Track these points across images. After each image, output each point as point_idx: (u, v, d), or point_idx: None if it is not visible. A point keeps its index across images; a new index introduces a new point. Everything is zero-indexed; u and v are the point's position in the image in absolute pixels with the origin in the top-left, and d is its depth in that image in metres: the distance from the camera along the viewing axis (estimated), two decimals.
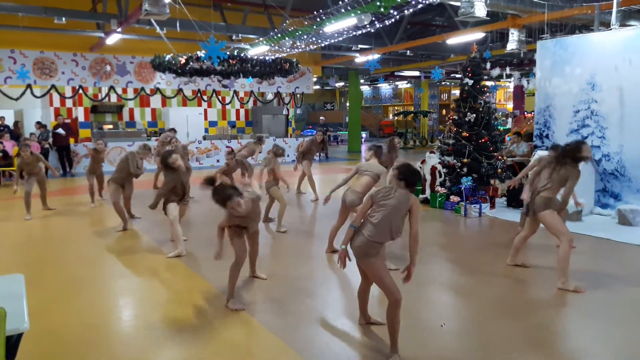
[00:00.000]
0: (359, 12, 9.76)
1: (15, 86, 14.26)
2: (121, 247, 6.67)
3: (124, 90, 16.48)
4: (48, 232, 7.72)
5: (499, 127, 10.16)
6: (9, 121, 16.05)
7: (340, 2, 10.24)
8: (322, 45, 13.33)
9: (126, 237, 7.24)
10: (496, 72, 15.74)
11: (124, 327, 4.21)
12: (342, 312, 4.40)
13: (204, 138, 17.69)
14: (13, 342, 2.66)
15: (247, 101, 19.25)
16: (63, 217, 8.61)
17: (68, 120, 15.95)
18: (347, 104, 26.61)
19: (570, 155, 4.97)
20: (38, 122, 15.68)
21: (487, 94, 9.40)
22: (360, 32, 11.29)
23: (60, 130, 14.24)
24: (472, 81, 9.12)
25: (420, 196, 9.60)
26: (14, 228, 7.81)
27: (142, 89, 15.94)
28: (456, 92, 27.15)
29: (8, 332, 2.35)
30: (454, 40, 14.12)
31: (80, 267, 5.77)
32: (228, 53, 11.28)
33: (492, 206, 8.89)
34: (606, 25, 9.46)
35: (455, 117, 9.39)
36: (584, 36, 9.08)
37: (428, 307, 4.55)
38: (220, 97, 17.66)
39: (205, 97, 17.38)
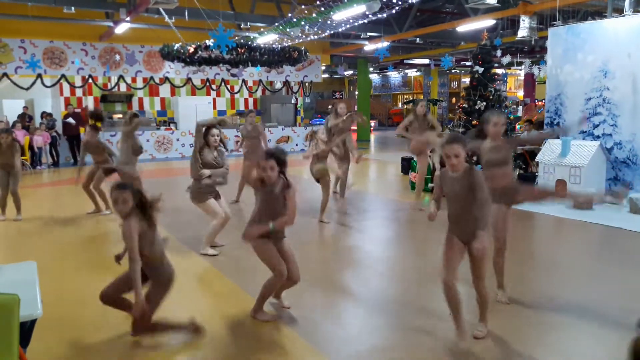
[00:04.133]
0: None
1: (26, 76, 14.34)
2: None
3: (133, 80, 16.52)
4: (62, 220, 7.78)
5: (510, 116, 10.06)
6: (19, 110, 16.14)
7: None
8: (331, 33, 13.25)
9: None
10: (507, 59, 15.58)
11: None
12: (361, 303, 4.40)
13: None
14: (27, 329, 2.70)
15: (256, 90, 19.21)
16: (75, 205, 8.66)
17: (78, 110, 16.04)
18: (356, 93, 26.48)
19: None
20: (44, 112, 15.83)
21: (498, 81, 9.33)
22: (369, 19, 11.20)
23: (71, 120, 14.34)
24: (483, 69, 9.06)
25: (429, 185, 9.57)
26: (28, 216, 7.86)
27: (151, 78, 15.97)
28: (466, 80, 26.91)
29: (22, 319, 2.38)
30: (464, 27, 13.98)
31: (93, 254, 5.82)
32: (236, 41, 11.24)
33: None
34: (619, 11, 9.33)
35: (465, 105, 9.34)
36: (597, 23, 8.95)
37: (437, 295, 4.54)
38: (228, 86, 17.65)
39: (214, 86, 17.38)
